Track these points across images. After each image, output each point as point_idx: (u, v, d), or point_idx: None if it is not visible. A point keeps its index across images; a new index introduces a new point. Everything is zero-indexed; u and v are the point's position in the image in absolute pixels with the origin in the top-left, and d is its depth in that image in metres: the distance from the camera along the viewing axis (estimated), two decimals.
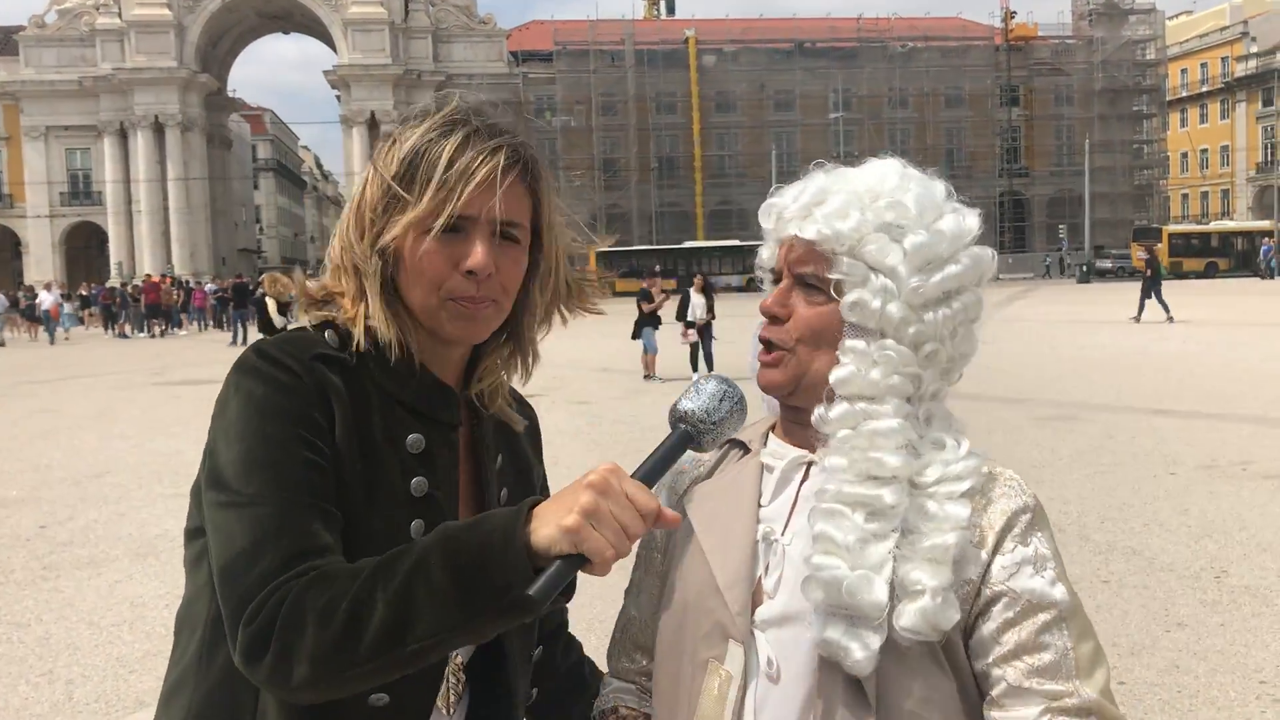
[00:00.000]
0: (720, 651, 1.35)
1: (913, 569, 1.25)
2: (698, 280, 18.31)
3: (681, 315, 17.70)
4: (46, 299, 37.63)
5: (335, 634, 1.13)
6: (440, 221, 1.30)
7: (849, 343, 1.33)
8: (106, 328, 41.04)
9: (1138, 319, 25.87)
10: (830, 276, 1.35)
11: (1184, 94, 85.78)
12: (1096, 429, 11.06)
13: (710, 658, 1.36)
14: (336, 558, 1.23)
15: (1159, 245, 32.90)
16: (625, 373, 18.24)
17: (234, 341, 31.52)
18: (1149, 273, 26.75)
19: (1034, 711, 1.22)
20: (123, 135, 62.92)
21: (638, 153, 65.91)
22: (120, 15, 62.21)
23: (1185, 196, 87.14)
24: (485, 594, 1.12)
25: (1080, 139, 65.82)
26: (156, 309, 38.87)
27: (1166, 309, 25.58)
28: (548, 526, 1.10)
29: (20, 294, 44.31)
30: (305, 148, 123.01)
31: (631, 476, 1.16)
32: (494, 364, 1.46)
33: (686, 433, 1.24)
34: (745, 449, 1.48)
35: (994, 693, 1.26)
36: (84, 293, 46.52)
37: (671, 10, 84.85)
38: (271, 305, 17.05)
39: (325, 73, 65.45)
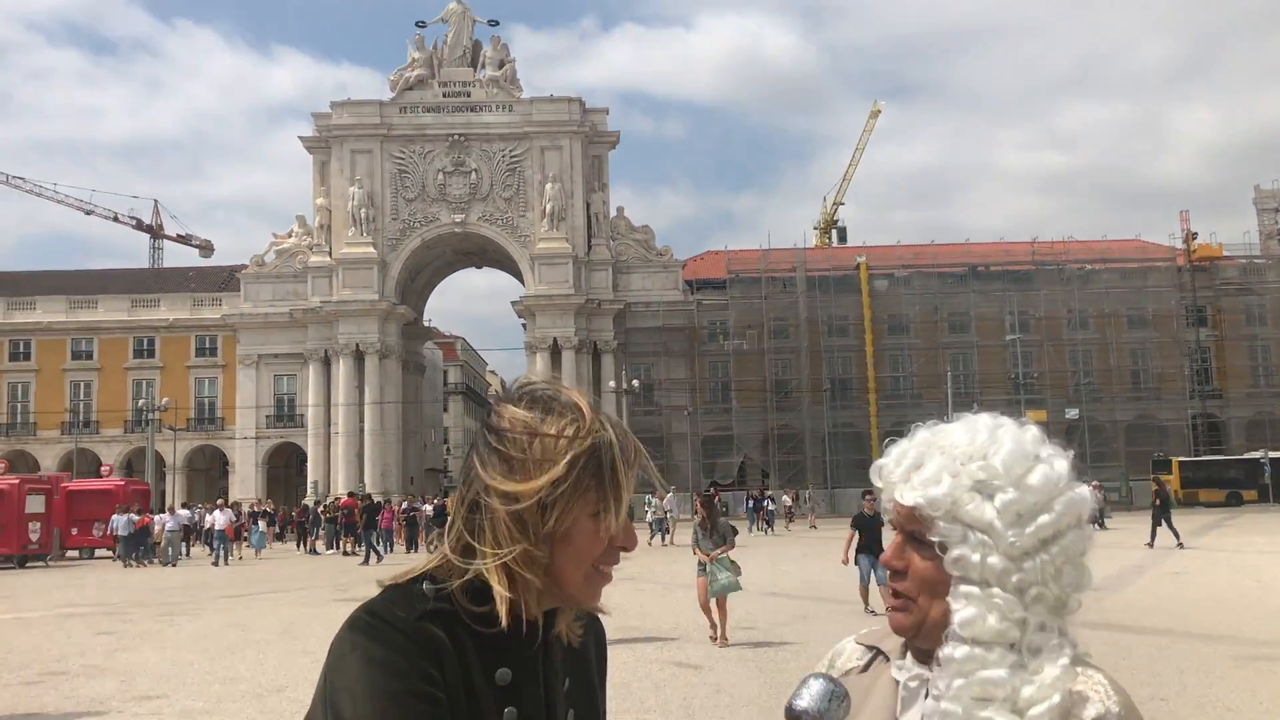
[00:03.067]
0: None
1: None
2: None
3: None
4: (219, 519, 36.98)
5: None
6: (621, 516, 1.55)
7: (964, 588, 1.50)
8: (300, 544, 42.70)
9: (1151, 545, 27.59)
10: (932, 538, 1.54)
11: None
12: None
13: None
14: None
15: (1168, 477, 35.79)
16: (791, 597, 17.76)
17: (365, 562, 31.44)
18: (1157, 502, 28.46)
19: None
20: (326, 362, 67.54)
21: (810, 374, 66.25)
22: (330, 254, 68.02)
23: None
24: None
25: (1277, 359, 62.53)
26: (352, 527, 37.94)
27: (1176, 535, 27.42)
28: None
29: (192, 511, 43.30)
30: (492, 372, 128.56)
31: None
32: (568, 610, 1.65)
33: None
34: (886, 657, 1.66)
35: None
36: (269, 509, 48.13)
37: (843, 239, 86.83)
38: None
39: (513, 303, 69.21)
